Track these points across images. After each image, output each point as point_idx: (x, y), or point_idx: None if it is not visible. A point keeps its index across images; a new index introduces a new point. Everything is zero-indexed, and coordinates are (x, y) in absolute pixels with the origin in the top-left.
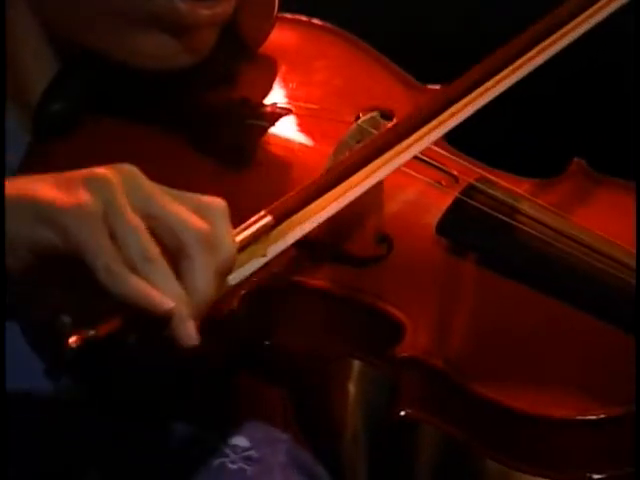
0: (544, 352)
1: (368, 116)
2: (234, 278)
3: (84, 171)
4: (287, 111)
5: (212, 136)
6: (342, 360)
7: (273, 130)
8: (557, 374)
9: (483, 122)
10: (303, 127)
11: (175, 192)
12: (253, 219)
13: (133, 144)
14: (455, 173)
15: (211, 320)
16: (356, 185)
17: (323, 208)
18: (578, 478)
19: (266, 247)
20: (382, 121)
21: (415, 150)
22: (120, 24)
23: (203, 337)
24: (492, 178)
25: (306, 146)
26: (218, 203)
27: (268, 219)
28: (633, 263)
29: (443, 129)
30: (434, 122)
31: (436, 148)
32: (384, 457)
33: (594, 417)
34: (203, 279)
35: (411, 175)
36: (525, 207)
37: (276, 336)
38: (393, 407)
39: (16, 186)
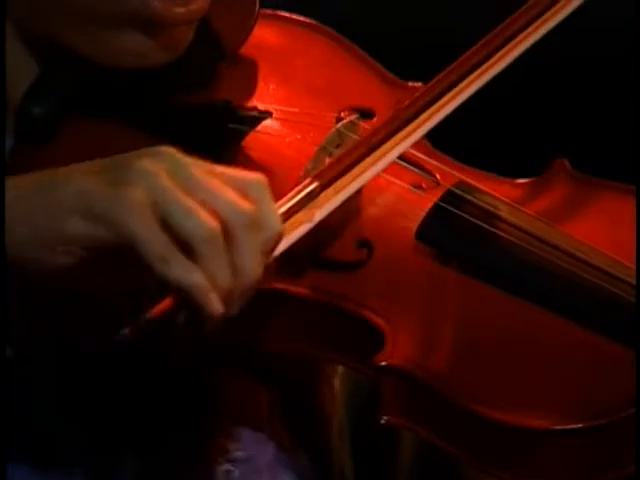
0: (525, 360)
1: (347, 120)
2: (279, 248)
3: (125, 160)
4: (267, 114)
5: (192, 138)
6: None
7: (253, 134)
8: (538, 383)
9: (465, 122)
10: (283, 131)
11: (217, 169)
12: (299, 187)
13: (115, 144)
14: (436, 176)
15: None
16: (390, 149)
17: (364, 171)
18: None
19: (313, 212)
20: (362, 123)
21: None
22: (96, 23)
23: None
24: (472, 182)
25: (285, 150)
26: (259, 179)
27: (314, 185)
28: (614, 270)
29: (422, 130)
30: (414, 124)
31: (416, 151)
32: (369, 452)
33: (574, 427)
34: (251, 260)
35: (391, 179)
36: (505, 213)
37: (258, 341)
38: (374, 413)
39: (60, 181)
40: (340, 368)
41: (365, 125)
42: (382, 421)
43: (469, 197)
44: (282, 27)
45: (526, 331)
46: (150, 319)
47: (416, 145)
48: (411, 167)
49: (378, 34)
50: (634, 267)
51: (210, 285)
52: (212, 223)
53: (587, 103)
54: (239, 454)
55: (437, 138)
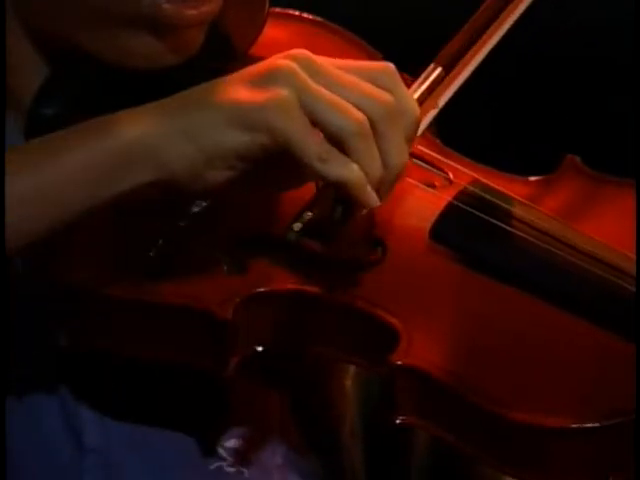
0: (543, 359)
1: None
2: (418, 132)
3: (265, 66)
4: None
5: None
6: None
7: None
8: (555, 382)
9: (475, 119)
10: None
11: (349, 64)
12: (425, 74)
13: None
14: (449, 174)
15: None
16: (498, 28)
17: (478, 52)
18: None
19: (437, 98)
20: None
21: None
22: (108, 25)
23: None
24: (485, 181)
25: None
26: (389, 67)
27: (439, 70)
28: (629, 267)
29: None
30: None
31: (428, 150)
32: (381, 452)
33: (589, 425)
34: (398, 152)
35: (404, 178)
36: (519, 211)
37: (274, 343)
38: (389, 413)
39: (203, 97)
40: (352, 368)
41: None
42: (397, 421)
43: (483, 195)
44: (292, 26)
45: (543, 330)
46: (313, 216)
47: (428, 143)
48: (424, 165)
49: (386, 30)
50: None
51: (365, 178)
52: (360, 116)
53: (598, 100)
54: (249, 455)
55: (448, 136)
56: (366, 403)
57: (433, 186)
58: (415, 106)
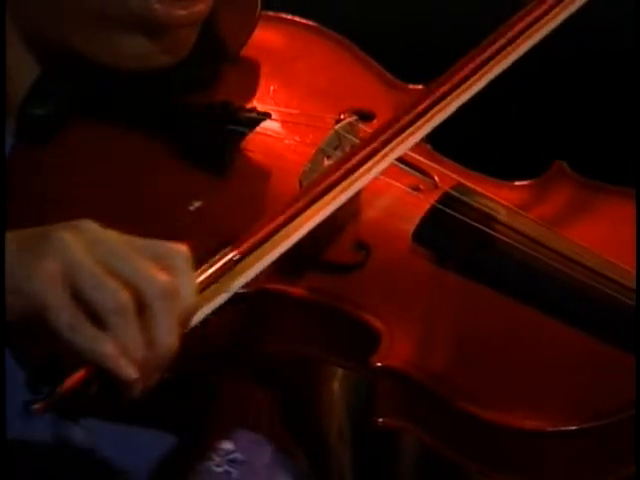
0: (523, 362)
1: (345, 122)
2: (196, 318)
3: (41, 232)
4: (266, 116)
5: (191, 139)
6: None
7: (252, 135)
8: (536, 384)
9: (464, 124)
10: (282, 132)
11: (136, 241)
12: (218, 256)
13: (116, 146)
14: (434, 178)
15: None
16: (324, 207)
17: (287, 237)
18: None
19: (230, 282)
20: (361, 125)
21: (391, 158)
22: (100, 26)
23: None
24: (470, 185)
25: (284, 152)
26: (179, 250)
27: (233, 254)
28: (613, 273)
29: (419, 135)
30: (410, 129)
31: (413, 153)
32: (369, 454)
33: (571, 428)
34: (166, 331)
35: (389, 181)
36: (503, 216)
37: (256, 342)
38: (371, 414)
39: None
40: (339, 370)
41: (364, 127)
42: (378, 423)
43: (466, 199)
44: (284, 29)
45: (524, 333)
46: (62, 393)
47: (415, 147)
48: (409, 169)
49: (379, 35)
50: (632, 270)
51: (120, 353)
52: (122, 294)
53: (585, 105)
54: (237, 455)
55: (435, 140)
56: (353, 406)
57: (418, 189)
58: (192, 295)
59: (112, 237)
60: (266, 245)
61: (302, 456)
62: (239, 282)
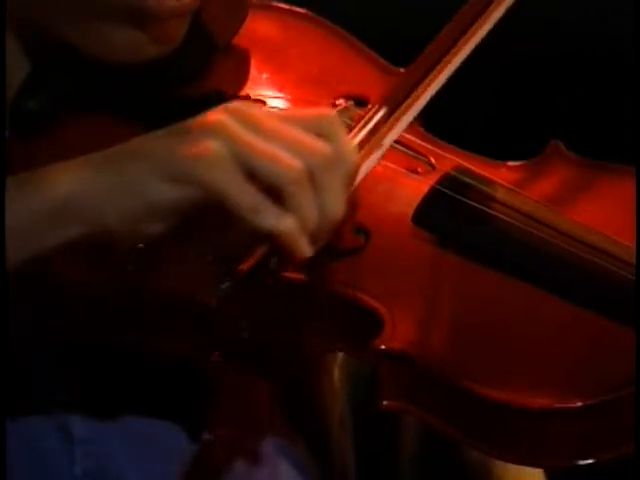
0: (525, 340)
1: (342, 107)
2: (358, 179)
3: (197, 120)
4: (260, 104)
5: None
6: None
7: None
8: (537, 363)
9: (459, 106)
10: None
11: (286, 113)
12: (369, 114)
13: (110, 138)
14: (432, 160)
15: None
16: (451, 59)
17: (426, 89)
18: (563, 464)
19: (382, 138)
20: (357, 111)
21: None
22: (89, 17)
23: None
24: (468, 166)
25: None
26: (328, 116)
27: (383, 110)
28: (611, 248)
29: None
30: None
31: (410, 136)
32: (370, 442)
33: (574, 406)
34: (334, 200)
35: (387, 164)
36: (502, 195)
37: (256, 328)
38: (375, 398)
39: (136, 151)
40: (340, 357)
41: (360, 112)
42: (382, 406)
43: (466, 180)
44: (275, 17)
45: (525, 311)
46: (246, 271)
47: (410, 130)
48: (407, 152)
49: (372, 20)
50: (632, 245)
51: (300, 229)
52: (296, 164)
53: (581, 85)
54: (238, 443)
55: (430, 122)
56: (354, 394)
57: (416, 172)
58: (353, 155)
59: (263, 112)
60: (409, 99)
61: (304, 445)
62: (391, 137)
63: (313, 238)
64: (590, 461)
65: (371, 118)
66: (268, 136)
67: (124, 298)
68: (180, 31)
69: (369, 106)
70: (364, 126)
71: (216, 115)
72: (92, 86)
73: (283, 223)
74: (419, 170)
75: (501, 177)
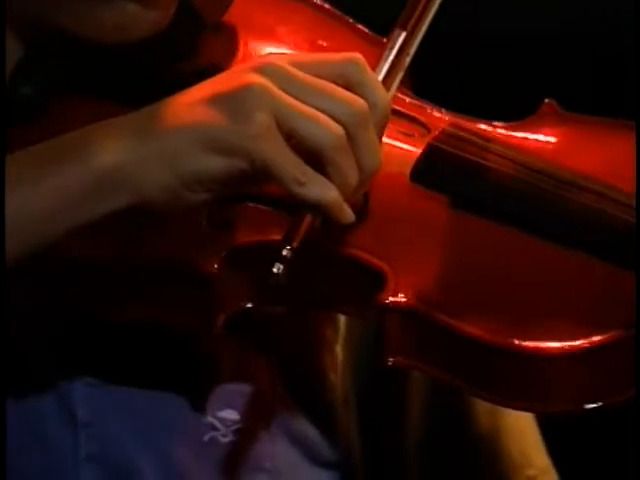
0: (527, 288)
1: None
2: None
3: (236, 84)
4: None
5: None
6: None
7: None
8: (541, 309)
9: (450, 69)
10: None
11: (315, 60)
12: (390, 43)
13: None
14: (426, 123)
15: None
16: None
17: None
18: (571, 408)
19: (404, 60)
20: None
21: None
22: None
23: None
24: (463, 123)
25: None
26: (355, 61)
27: (403, 35)
28: (611, 193)
29: None
30: None
31: (405, 101)
32: (374, 418)
33: (579, 347)
34: (373, 153)
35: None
36: (498, 147)
37: (257, 297)
38: (380, 357)
39: (177, 121)
40: (342, 333)
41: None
42: (388, 362)
43: (461, 134)
44: None
45: (527, 260)
46: (296, 247)
47: (403, 95)
48: (401, 116)
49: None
50: (631, 191)
51: (343, 195)
52: (337, 128)
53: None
54: (240, 423)
55: (422, 87)
56: (358, 370)
57: (412, 136)
58: (385, 96)
59: (294, 69)
60: (423, 19)
61: (306, 423)
62: (409, 57)
63: (353, 195)
64: (597, 404)
65: (394, 45)
66: (307, 93)
67: (123, 266)
68: (169, 10)
69: (391, 36)
70: (390, 53)
71: (254, 79)
72: (85, 69)
73: (327, 194)
74: (414, 133)
75: (496, 135)
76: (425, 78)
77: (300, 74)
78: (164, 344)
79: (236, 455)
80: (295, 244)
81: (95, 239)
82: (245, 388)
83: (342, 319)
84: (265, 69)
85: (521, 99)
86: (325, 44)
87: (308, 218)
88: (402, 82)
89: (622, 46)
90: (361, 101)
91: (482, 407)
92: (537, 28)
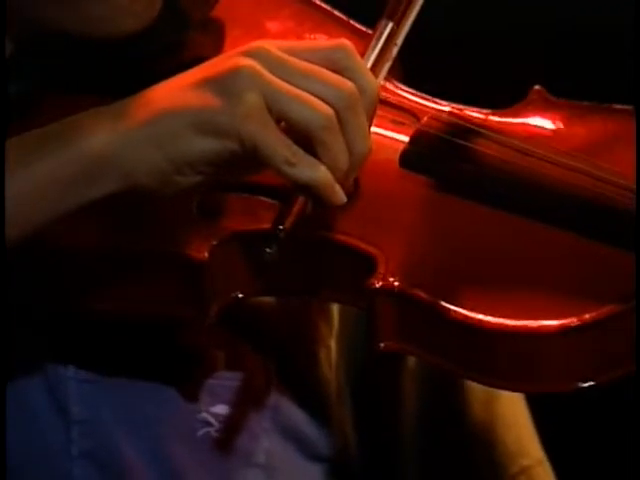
0: (515, 268)
1: None
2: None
3: (226, 67)
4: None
5: None
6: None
7: None
8: (529, 288)
9: (438, 57)
10: None
11: (303, 47)
12: (378, 33)
13: None
14: (417, 112)
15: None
16: None
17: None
18: (565, 387)
19: (392, 50)
20: None
21: None
22: None
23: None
24: (452, 109)
25: None
26: (344, 47)
27: (391, 25)
28: (604, 174)
29: None
30: None
31: (394, 90)
32: (369, 411)
33: (570, 325)
34: (362, 136)
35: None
36: (485, 131)
37: (250, 285)
38: (372, 343)
39: (167, 105)
40: (336, 328)
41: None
42: (380, 348)
43: (448, 118)
44: None
45: (516, 240)
46: (289, 228)
47: (392, 85)
48: (391, 106)
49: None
50: (622, 171)
51: (333, 175)
52: (327, 109)
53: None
54: (234, 418)
55: (412, 76)
56: (352, 364)
57: (401, 124)
58: (374, 82)
59: (284, 54)
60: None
61: (301, 416)
62: (397, 47)
63: (344, 180)
64: (590, 383)
65: (381, 35)
66: (295, 76)
67: (113, 255)
68: (155, 3)
69: (379, 26)
70: (377, 44)
71: (244, 61)
72: (72, 65)
73: (317, 174)
74: (405, 122)
75: (485, 120)
76: (415, 68)
77: (290, 58)
78: (157, 339)
79: (230, 450)
80: (287, 225)
81: (84, 228)
82: (239, 384)
83: (336, 314)
84: (255, 53)
85: (514, 90)
86: (313, 38)
87: (300, 200)
88: (392, 72)
89: (621, 43)
90: (350, 84)
91: (477, 397)
92: (533, 20)
